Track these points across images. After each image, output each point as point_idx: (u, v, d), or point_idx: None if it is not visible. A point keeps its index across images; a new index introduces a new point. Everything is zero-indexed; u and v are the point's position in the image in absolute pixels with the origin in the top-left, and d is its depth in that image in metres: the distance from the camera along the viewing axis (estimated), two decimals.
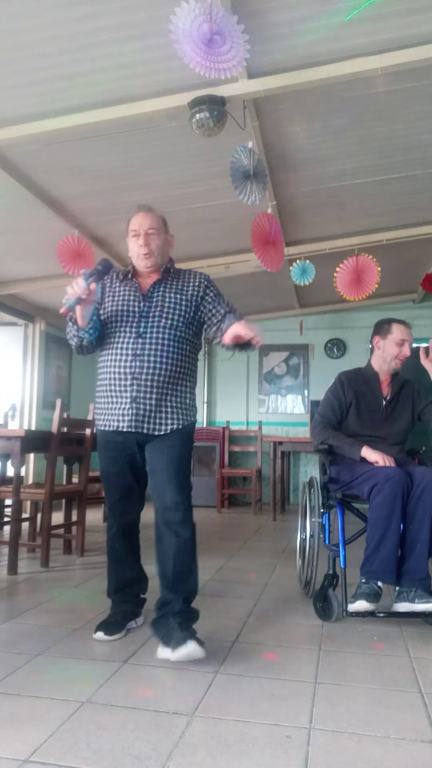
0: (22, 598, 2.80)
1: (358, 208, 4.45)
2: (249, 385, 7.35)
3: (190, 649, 1.87)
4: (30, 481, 5.97)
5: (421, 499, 2.34)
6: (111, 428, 2.15)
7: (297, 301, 6.75)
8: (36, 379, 6.32)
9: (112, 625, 2.21)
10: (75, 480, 4.35)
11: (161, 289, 2.20)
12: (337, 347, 7.25)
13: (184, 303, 2.18)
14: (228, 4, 2.29)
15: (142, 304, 2.16)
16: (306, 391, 7.29)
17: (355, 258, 4.62)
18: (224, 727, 1.53)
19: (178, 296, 2.19)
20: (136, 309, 2.16)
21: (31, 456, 6.04)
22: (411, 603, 2.28)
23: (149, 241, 2.19)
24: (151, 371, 2.09)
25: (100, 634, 2.16)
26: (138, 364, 2.10)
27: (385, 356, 2.72)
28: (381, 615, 2.34)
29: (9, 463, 3.82)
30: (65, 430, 3.73)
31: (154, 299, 2.17)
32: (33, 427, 6.14)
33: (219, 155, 3.25)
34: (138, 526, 2.33)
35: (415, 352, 2.75)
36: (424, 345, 2.72)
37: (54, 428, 3.56)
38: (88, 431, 3.91)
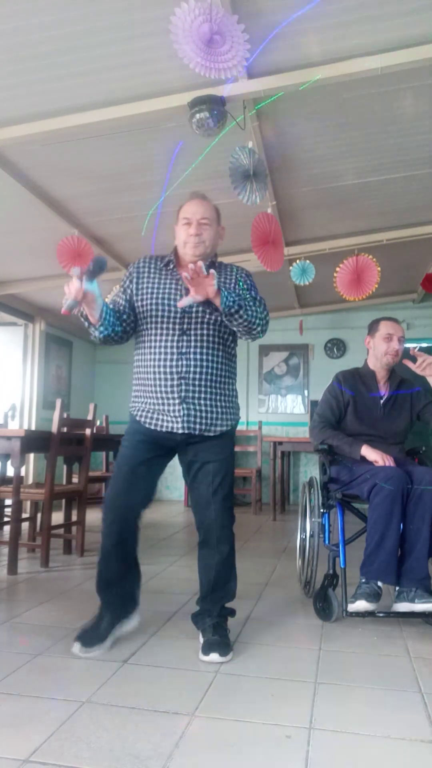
0: (22, 598, 2.80)
1: (358, 208, 4.45)
2: (249, 385, 7.35)
3: (211, 658, 1.95)
4: (30, 481, 5.97)
5: (421, 499, 2.34)
6: (162, 429, 2.05)
7: (297, 301, 6.75)
8: (36, 379, 6.32)
9: (94, 637, 2.03)
10: (75, 480, 4.35)
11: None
12: (337, 347, 7.25)
13: None
14: (228, 4, 2.29)
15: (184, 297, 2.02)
16: (306, 391, 7.29)
17: (355, 258, 4.61)
18: (224, 727, 1.53)
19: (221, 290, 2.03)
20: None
21: (31, 456, 6.04)
22: (411, 603, 2.28)
23: (201, 230, 2.08)
24: (199, 370, 2.03)
25: (77, 647, 1.99)
26: (185, 363, 2.02)
27: (376, 353, 2.74)
28: (381, 615, 2.34)
29: (9, 463, 3.82)
30: (65, 430, 3.73)
31: None
32: (33, 427, 6.14)
33: (219, 155, 3.25)
34: (138, 523, 2.14)
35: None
36: (425, 345, 2.72)
37: (54, 428, 3.56)
38: (88, 431, 3.91)
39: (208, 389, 2.05)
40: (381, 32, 2.56)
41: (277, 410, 7.33)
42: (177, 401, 2.02)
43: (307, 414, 7.12)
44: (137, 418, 2.12)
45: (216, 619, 2.08)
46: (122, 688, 1.76)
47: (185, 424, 2.03)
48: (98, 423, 5.47)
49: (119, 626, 2.12)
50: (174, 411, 2.03)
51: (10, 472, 3.77)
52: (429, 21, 2.51)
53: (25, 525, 4.02)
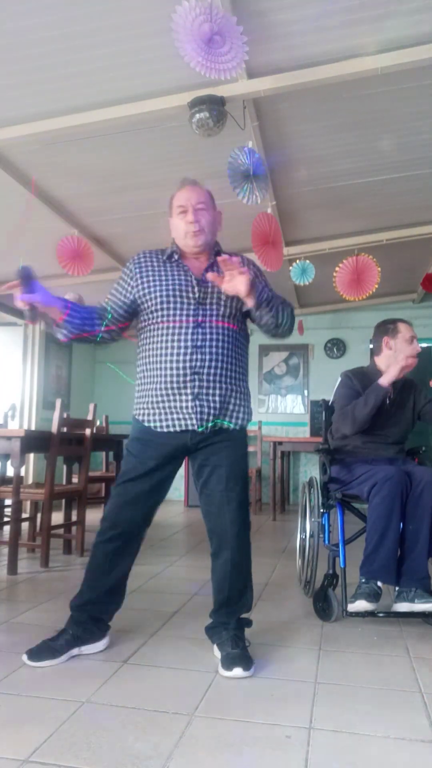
0: (22, 598, 2.80)
1: (358, 208, 4.45)
2: (249, 385, 7.34)
3: (234, 673, 1.82)
4: (30, 481, 5.97)
5: (421, 499, 2.34)
6: (171, 429, 1.93)
7: (297, 301, 6.75)
8: (36, 379, 6.32)
9: (47, 649, 1.92)
10: (75, 480, 4.35)
11: (216, 272, 1.93)
12: (337, 347, 7.25)
13: None
14: (228, 4, 2.29)
15: (196, 290, 1.93)
16: (306, 391, 7.29)
17: (355, 258, 4.62)
18: (224, 727, 1.53)
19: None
20: (191, 295, 1.93)
21: (31, 456, 6.04)
22: (411, 603, 2.28)
23: (199, 216, 1.96)
24: (214, 365, 1.90)
25: (24, 657, 1.91)
26: (199, 356, 1.89)
27: (398, 356, 2.69)
28: (381, 615, 2.34)
29: (9, 463, 3.82)
30: (65, 430, 3.73)
31: (209, 284, 1.93)
32: (33, 427, 6.14)
33: (219, 155, 3.25)
34: (139, 544, 2.05)
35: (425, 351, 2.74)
36: (425, 345, 2.71)
37: (54, 428, 3.56)
38: (87, 431, 3.91)
39: (223, 385, 1.93)
40: (381, 32, 2.56)
41: (277, 410, 7.33)
42: (190, 397, 1.89)
43: (306, 414, 7.11)
44: (144, 423, 1.98)
45: (233, 631, 1.97)
46: (122, 688, 1.76)
47: (198, 421, 1.90)
48: (98, 423, 5.45)
49: (80, 647, 1.99)
50: (187, 408, 1.90)
51: (10, 472, 3.77)
52: (429, 21, 2.51)
53: (25, 525, 4.02)
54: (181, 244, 2.01)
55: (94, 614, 2.02)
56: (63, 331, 1.94)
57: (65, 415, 3.67)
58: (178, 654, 2.03)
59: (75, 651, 1.98)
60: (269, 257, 3.88)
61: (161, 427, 1.95)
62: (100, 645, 2.04)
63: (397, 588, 2.37)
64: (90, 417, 3.98)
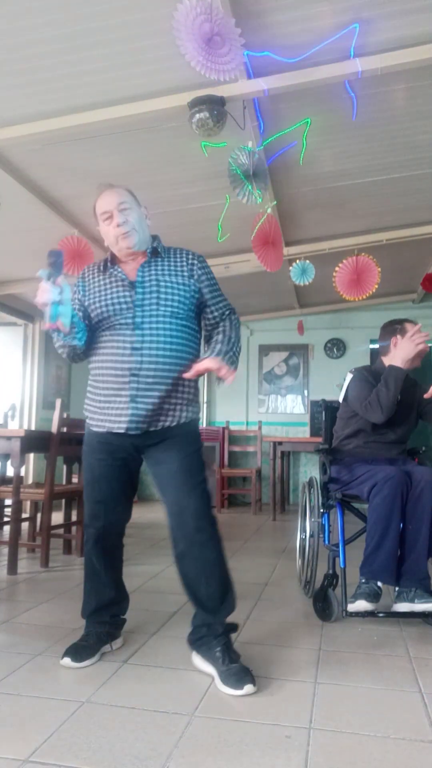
0: (22, 598, 2.80)
1: (358, 208, 4.45)
2: (249, 385, 7.35)
3: (246, 690, 1.72)
4: (30, 481, 5.97)
5: (421, 499, 2.34)
6: (104, 429, 1.93)
7: (297, 301, 6.75)
8: (36, 379, 6.32)
9: (83, 649, 1.95)
10: (75, 480, 4.35)
11: (152, 271, 1.94)
12: (336, 347, 7.25)
13: (181, 285, 1.94)
14: (227, 3, 2.29)
15: (132, 293, 1.91)
16: (306, 391, 7.29)
17: (355, 258, 4.62)
18: (224, 727, 1.53)
19: (173, 278, 1.94)
20: (128, 299, 1.91)
21: (31, 456, 6.04)
22: (411, 603, 2.28)
23: (126, 217, 1.93)
24: (152, 366, 1.87)
25: (66, 660, 1.90)
26: (137, 359, 1.86)
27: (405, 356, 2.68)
28: (381, 615, 2.34)
29: (9, 463, 3.82)
30: (65, 430, 3.73)
31: (146, 285, 1.92)
32: (33, 427, 6.14)
33: (219, 155, 3.25)
34: (122, 539, 2.10)
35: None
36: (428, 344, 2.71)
37: (54, 428, 3.56)
38: None
39: (162, 386, 1.88)
40: (381, 32, 2.56)
41: (276, 410, 7.33)
42: (127, 399, 1.87)
43: (306, 414, 7.11)
44: (87, 422, 2.01)
45: (224, 639, 1.87)
46: (122, 688, 1.76)
47: (131, 424, 1.87)
48: None
49: (110, 643, 2.05)
50: (121, 409, 1.88)
51: (10, 472, 3.77)
52: (429, 21, 2.51)
53: (25, 525, 4.03)
54: (115, 250, 1.99)
55: (112, 614, 2.08)
56: (79, 336, 1.92)
57: (65, 415, 3.67)
58: (178, 654, 2.03)
59: (107, 648, 2.03)
60: (269, 257, 3.88)
61: (99, 427, 1.95)
62: (119, 642, 2.11)
63: (397, 588, 2.37)
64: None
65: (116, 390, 1.89)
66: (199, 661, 1.90)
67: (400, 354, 2.54)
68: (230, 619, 1.93)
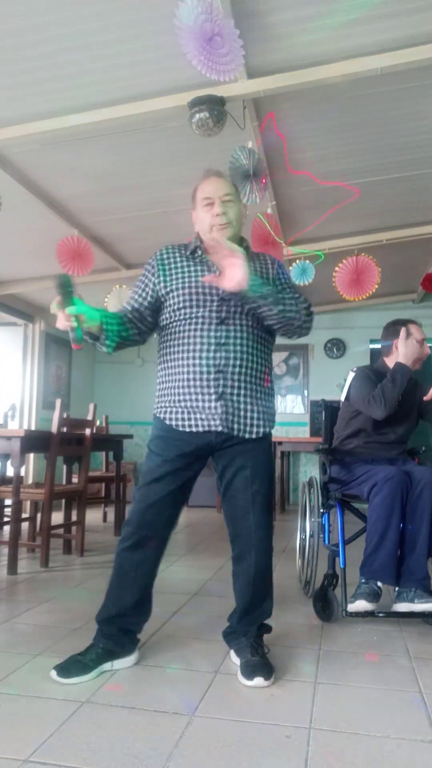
0: (22, 598, 2.80)
1: (358, 208, 4.44)
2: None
3: (256, 683, 1.76)
4: (30, 481, 5.97)
5: (420, 499, 2.34)
6: (194, 429, 1.84)
7: None
8: (36, 379, 6.32)
9: (76, 665, 1.81)
10: (75, 480, 4.35)
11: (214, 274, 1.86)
12: (336, 347, 7.25)
13: None
14: (227, 3, 2.29)
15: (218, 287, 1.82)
16: (306, 391, 7.29)
17: (355, 258, 4.61)
18: (224, 727, 1.53)
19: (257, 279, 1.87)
20: (215, 291, 1.83)
21: (31, 456, 6.04)
22: (411, 603, 2.28)
23: (226, 209, 1.88)
24: (239, 363, 1.82)
25: (53, 673, 1.79)
26: (223, 354, 1.81)
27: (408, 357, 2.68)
28: (381, 615, 2.34)
29: (9, 463, 3.82)
30: (65, 430, 3.73)
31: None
32: (33, 427, 6.14)
33: (219, 155, 3.25)
34: (164, 548, 1.97)
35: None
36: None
37: (54, 428, 3.56)
38: (87, 431, 3.91)
39: (249, 385, 1.85)
40: (381, 32, 2.56)
41: (276, 410, 7.31)
42: (214, 397, 1.81)
43: (306, 414, 7.11)
44: (166, 421, 1.90)
45: (253, 638, 1.91)
46: (122, 688, 1.76)
47: (223, 423, 1.82)
48: (98, 423, 5.46)
49: (109, 662, 1.88)
50: (210, 408, 1.82)
51: (10, 472, 3.77)
52: (429, 21, 2.51)
53: (25, 525, 4.03)
54: (206, 239, 1.90)
55: (123, 627, 1.92)
56: (107, 342, 1.83)
57: (65, 415, 3.68)
58: (178, 654, 2.03)
59: (107, 666, 1.87)
60: None
61: (184, 426, 1.86)
62: (132, 659, 1.93)
63: (396, 588, 2.37)
64: (90, 417, 3.98)
65: (201, 388, 1.83)
66: (233, 655, 1.96)
67: (407, 353, 2.55)
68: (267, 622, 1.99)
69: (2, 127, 3.05)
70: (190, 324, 1.86)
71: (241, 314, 1.85)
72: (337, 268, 4.67)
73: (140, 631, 1.98)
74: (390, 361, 2.72)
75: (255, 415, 1.88)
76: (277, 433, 7.05)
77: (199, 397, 1.83)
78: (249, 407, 1.87)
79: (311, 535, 2.83)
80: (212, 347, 1.82)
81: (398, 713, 1.62)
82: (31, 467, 6.11)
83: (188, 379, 1.84)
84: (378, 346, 2.86)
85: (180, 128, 3.02)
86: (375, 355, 6.82)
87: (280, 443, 5.73)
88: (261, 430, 1.90)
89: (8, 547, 3.32)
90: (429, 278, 5.65)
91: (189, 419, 1.86)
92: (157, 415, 1.95)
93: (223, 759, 1.37)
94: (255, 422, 1.88)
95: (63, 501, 3.97)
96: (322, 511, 2.69)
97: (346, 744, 1.45)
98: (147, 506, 1.88)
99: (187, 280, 1.88)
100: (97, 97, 2.87)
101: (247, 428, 1.87)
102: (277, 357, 7.37)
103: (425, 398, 2.59)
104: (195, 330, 1.85)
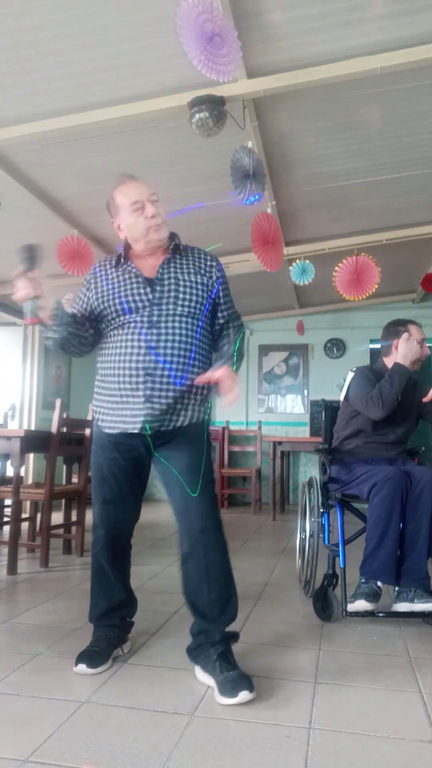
0: (22, 598, 2.80)
1: (358, 208, 4.45)
2: (248, 385, 7.35)
3: (241, 698, 1.64)
4: (30, 481, 5.97)
5: (420, 499, 2.34)
6: (117, 430, 1.88)
7: (297, 301, 6.75)
8: (36, 379, 6.32)
9: (96, 655, 1.89)
10: (75, 480, 4.35)
11: (172, 269, 1.90)
12: (336, 347, 7.25)
13: (200, 286, 1.89)
14: (227, 3, 2.29)
15: (149, 290, 1.85)
16: (306, 391, 7.29)
17: (355, 258, 4.62)
18: (224, 727, 1.53)
19: (192, 278, 1.90)
20: (144, 297, 1.85)
21: (31, 456, 6.04)
22: (410, 603, 2.28)
23: (158, 209, 1.89)
24: (168, 365, 1.82)
25: (82, 667, 1.84)
26: (152, 357, 1.82)
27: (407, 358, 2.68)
28: (381, 615, 2.34)
29: (9, 463, 3.82)
30: (65, 430, 3.73)
31: (165, 282, 1.87)
32: (33, 427, 6.14)
33: (219, 155, 3.25)
34: (130, 540, 2.05)
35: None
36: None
37: (54, 428, 3.56)
38: (87, 431, 3.91)
39: (177, 386, 1.84)
40: (381, 32, 2.56)
41: (276, 410, 7.33)
42: (142, 399, 1.82)
43: (306, 414, 7.12)
44: (99, 423, 1.96)
45: (221, 647, 1.79)
46: (122, 688, 1.76)
47: (144, 424, 1.83)
48: None
49: (121, 647, 2.01)
50: (136, 410, 1.83)
51: (10, 472, 3.77)
52: (429, 21, 2.51)
53: (24, 525, 4.02)
54: (142, 242, 1.91)
55: (121, 616, 2.04)
56: (55, 328, 1.83)
57: (65, 415, 3.68)
58: (178, 654, 2.03)
59: (118, 652, 1.99)
60: (269, 257, 3.88)
61: (112, 428, 1.89)
62: (128, 646, 2.07)
63: (396, 588, 2.37)
64: (90, 417, 3.98)
65: (130, 390, 1.84)
66: (199, 673, 1.82)
67: (407, 354, 2.55)
68: (231, 627, 1.86)
69: (2, 127, 3.05)
70: (122, 330, 1.88)
71: (173, 316, 1.86)
72: (337, 268, 4.67)
73: (133, 615, 2.11)
74: (389, 362, 2.72)
75: (182, 412, 1.88)
76: (277, 433, 7.06)
77: (129, 399, 1.85)
78: (175, 406, 1.86)
79: (311, 535, 2.83)
80: (142, 350, 1.83)
81: (398, 713, 1.62)
82: (30, 467, 6.11)
83: (120, 383, 1.86)
84: (378, 346, 2.86)
85: (180, 128, 3.02)
86: (375, 355, 6.82)
87: (279, 443, 5.73)
88: (194, 419, 1.89)
89: (8, 547, 3.32)
90: (429, 278, 5.65)
91: (114, 422, 1.88)
92: (95, 419, 1.99)
93: (223, 759, 1.37)
94: (180, 418, 1.87)
95: (63, 501, 3.97)
96: (322, 511, 2.69)
97: (346, 744, 1.45)
98: (110, 508, 1.96)
99: (117, 289, 1.89)
100: (97, 97, 2.87)
101: (172, 424, 1.86)
102: (277, 357, 7.37)
103: (424, 400, 2.59)
104: (126, 335, 1.87)
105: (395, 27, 2.54)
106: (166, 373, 1.83)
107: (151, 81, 2.78)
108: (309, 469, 7.12)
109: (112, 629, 1.99)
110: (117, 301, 1.88)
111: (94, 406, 1.99)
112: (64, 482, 4.39)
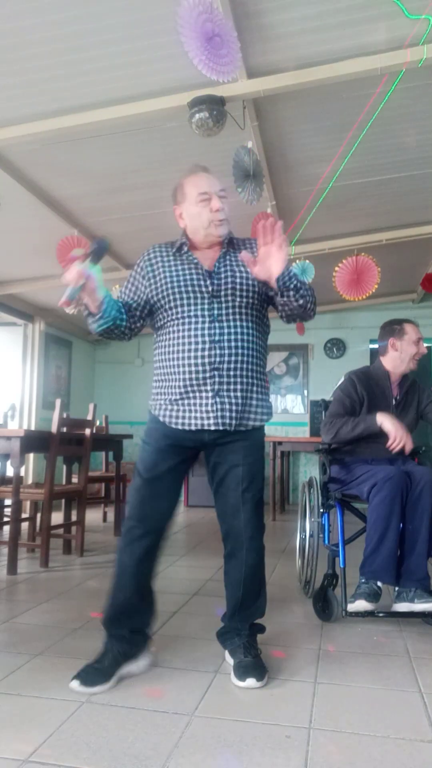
0: (22, 598, 2.80)
1: (358, 208, 4.45)
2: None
3: (248, 684, 1.76)
4: (30, 481, 5.97)
5: (420, 499, 2.34)
6: (189, 427, 1.84)
7: None
8: (36, 379, 6.32)
9: (95, 673, 1.75)
10: (75, 480, 4.35)
11: (228, 263, 1.89)
12: (336, 347, 7.25)
13: (254, 278, 1.84)
14: (227, 3, 2.29)
15: (208, 283, 1.85)
16: (306, 391, 7.29)
17: (355, 258, 4.61)
18: (224, 727, 1.53)
19: (247, 271, 1.86)
20: (204, 289, 1.84)
21: (31, 456, 6.04)
22: (410, 603, 2.28)
23: (224, 205, 1.87)
24: (234, 359, 1.82)
25: (74, 684, 1.72)
26: (218, 352, 1.81)
27: (403, 357, 2.68)
28: (381, 615, 2.34)
29: (9, 463, 3.82)
30: (65, 430, 3.73)
31: (223, 276, 1.86)
32: (33, 427, 6.14)
33: (219, 155, 3.25)
34: (163, 541, 1.95)
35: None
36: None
37: (54, 428, 3.56)
38: (87, 431, 3.91)
39: (244, 380, 1.85)
40: (381, 32, 2.56)
41: (276, 410, 7.33)
42: (210, 394, 1.81)
43: (306, 414, 7.11)
44: (160, 418, 1.89)
45: (246, 638, 1.90)
46: (122, 688, 1.76)
47: (218, 420, 1.82)
48: (98, 423, 5.47)
49: (126, 665, 1.83)
50: (206, 405, 1.81)
51: (10, 472, 3.77)
52: (428, 21, 2.50)
53: (24, 525, 4.03)
54: (201, 234, 1.89)
55: (132, 627, 1.88)
56: (101, 322, 1.81)
57: (65, 415, 3.68)
58: (178, 654, 2.03)
59: (124, 671, 1.82)
60: None
61: (177, 424, 1.86)
62: (144, 662, 1.89)
63: (396, 588, 2.37)
64: (90, 417, 3.98)
65: (198, 385, 1.82)
66: (227, 655, 1.96)
67: (390, 430, 2.47)
68: (260, 621, 1.99)
69: (2, 127, 3.05)
70: (183, 323, 1.85)
71: (234, 311, 1.86)
72: (337, 268, 4.67)
73: (149, 629, 1.95)
74: (386, 361, 2.73)
75: (251, 409, 1.89)
76: (277, 433, 7.06)
77: (197, 394, 1.83)
78: (244, 402, 1.86)
79: (311, 535, 2.83)
80: (207, 345, 1.82)
81: (398, 713, 1.62)
82: (31, 467, 6.11)
83: (185, 378, 1.84)
84: (377, 346, 2.86)
85: (180, 128, 3.02)
86: (375, 354, 6.81)
87: (280, 443, 5.73)
88: (253, 423, 1.90)
89: (8, 547, 3.32)
90: (429, 278, 5.65)
91: (183, 417, 1.85)
92: (152, 411, 1.94)
93: (223, 759, 1.37)
94: (251, 416, 1.89)
95: (63, 501, 3.97)
96: (322, 511, 2.69)
97: (346, 744, 1.45)
98: (146, 498, 1.87)
99: (176, 279, 1.87)
100: (97, 97, 2.87)
101: (242, 422, 1.87)
102: (277, 357, 7.37)
103: None
104: (188, 328, 1.84)
105: (395, 27, 2.53)
106: (232, 366, 1.83)
107: (151, 81, 2.78)
108: (309, 469, 7.12)
109: (120, 642, 1.84)
110: (176, 290, 1.85)
111: (156, 400, 1.93)
112: (64, 482, 4.39)
